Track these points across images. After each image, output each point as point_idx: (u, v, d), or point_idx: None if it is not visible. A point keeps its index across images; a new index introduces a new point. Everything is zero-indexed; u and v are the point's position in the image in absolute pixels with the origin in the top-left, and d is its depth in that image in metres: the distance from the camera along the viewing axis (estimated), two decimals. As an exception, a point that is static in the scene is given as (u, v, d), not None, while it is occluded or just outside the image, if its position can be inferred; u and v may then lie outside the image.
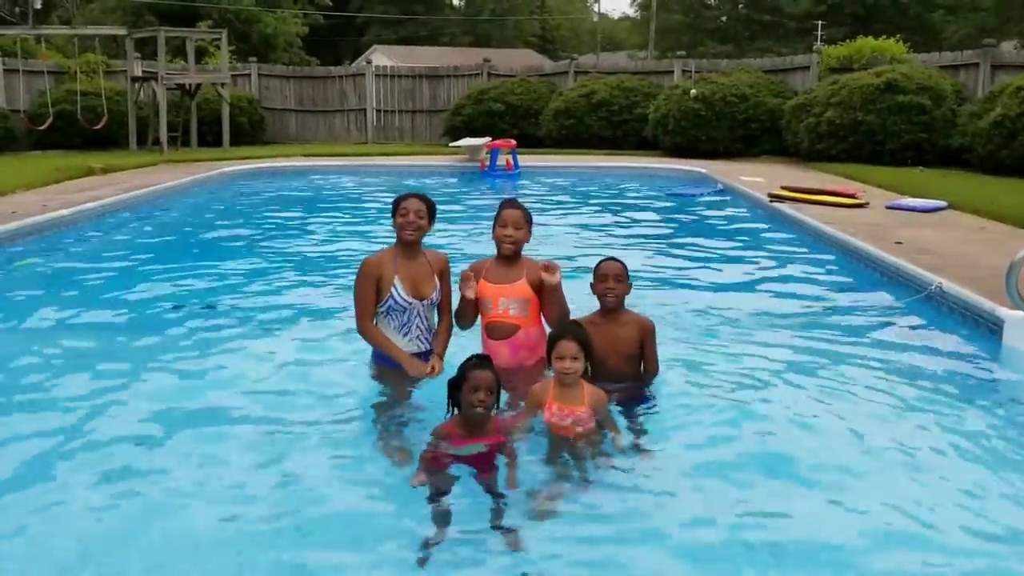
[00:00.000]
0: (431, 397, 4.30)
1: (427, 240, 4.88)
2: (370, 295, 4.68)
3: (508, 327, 4.63)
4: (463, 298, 4.65)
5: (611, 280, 4.47)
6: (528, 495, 3.54)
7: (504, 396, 4.37)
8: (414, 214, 4.67)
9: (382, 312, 4.71)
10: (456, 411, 3.83)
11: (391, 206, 4.79)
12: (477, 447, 3.76)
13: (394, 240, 4.81)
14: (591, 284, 4.58)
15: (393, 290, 4.65)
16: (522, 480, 3.64)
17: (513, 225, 4.63)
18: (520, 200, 4.85)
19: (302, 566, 3.14)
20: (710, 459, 3.97)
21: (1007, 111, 14.41)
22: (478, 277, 4.70)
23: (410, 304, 4.68)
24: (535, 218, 4.85)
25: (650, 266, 8.18)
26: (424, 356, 4.78)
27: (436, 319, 4.87)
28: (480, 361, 3.81)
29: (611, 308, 4.52)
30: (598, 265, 4.58)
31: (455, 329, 4.88)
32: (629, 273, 4.59)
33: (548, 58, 51.53)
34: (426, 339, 4.80)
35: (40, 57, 21.82)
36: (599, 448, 3.92)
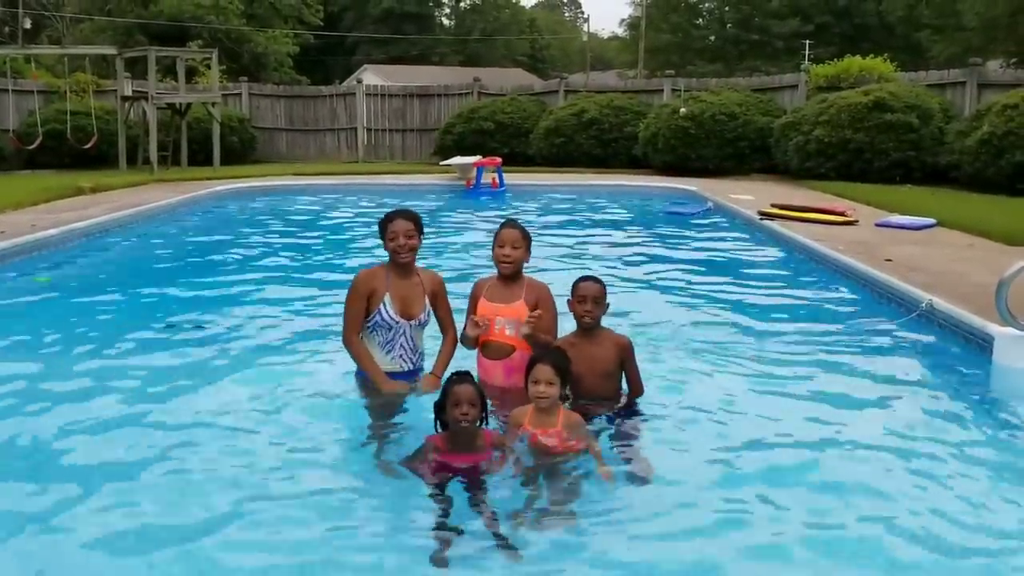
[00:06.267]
0: (417, 411, 4.33)
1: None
2: (360, 309, 4.68)
3: (504, 348, 4.62)
4: (467, 334, 4.67)
5: (589, 302, 4.47)
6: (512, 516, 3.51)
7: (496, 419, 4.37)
8: (403, 236, 4.67)
9: (368, 327, 4.71)
10: (445, 430, 3.85)
11: (378, 227, 4.79)
12: (466, 465, 3.77)
13: (387, 257, 4.81)
14: (568, 302, 4.57)
15: (382, 307, 4.65)
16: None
17: (511, 245, 4.62)
18: (513, 219, 4.84)
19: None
20: (698, 478, 3.95)
21: (994, 129, 14.54)
22: (479, 294, 4.72)
23: (397, 323, 4.68)
24: (526, 234, 4.84)
25: (639, 284, 8.18)
26: (406, 375, 4.78)
27: (423, 339, 4.88)
28: (460, 377, 3.86)
29: (588, 328, 4.52)
30: (577, 284, 4.57)
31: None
32: (606, 292, 4.58)
33: (538, 77, 51.76)
34: (410, 359, 4.79)
35: (30, 76, 21.78)
36: (580, 471, 3.90)
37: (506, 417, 4.24)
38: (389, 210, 4.90)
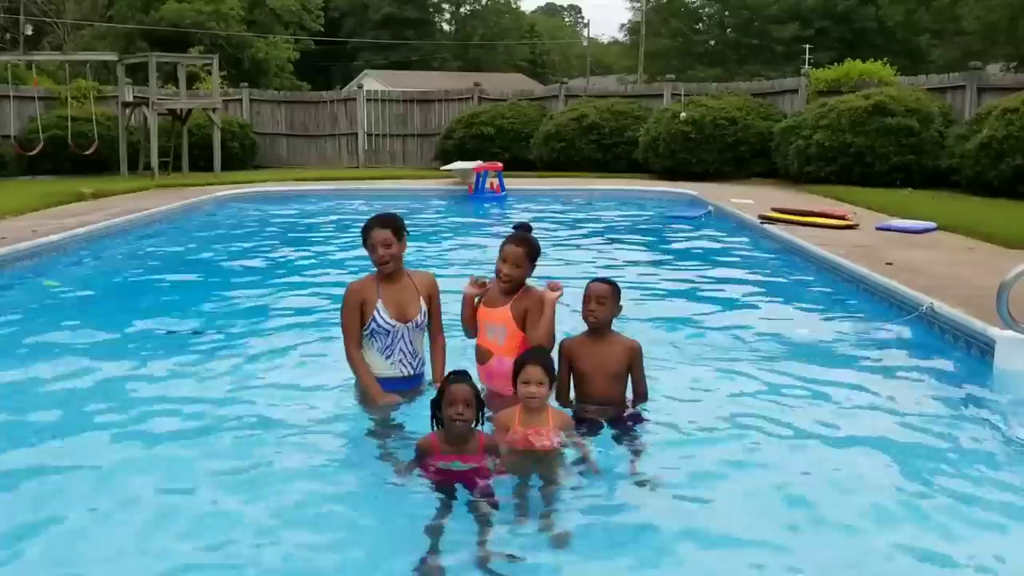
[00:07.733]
0: (415, 421, 4.31)
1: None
2: (355, 320, 4.68)
3: (484, 352, 4.66)
4: (463, 297, 4.69)
5: (592, 302, 4.48)
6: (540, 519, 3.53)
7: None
8: (382, 247, 4.64)
9: (366, 335, 4.71)
10: (440, 428, 3.85)
11: (361, 237, 4.77)
12: (460, 465, 3.77)
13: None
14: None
15: (376, 313, 4.65)
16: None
17: (512, 263, 4.58)
18: (513, 231, 4.79)
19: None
20: (697, 481, 3.95)
21: (994, 133, 14.54)
22: (481, 299, 4.73)
23: (393, 327, 4.68)
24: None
25: (640, 288, 8.17)
26: (407, 381, 4.77)
27: (422, 343, 4.86)
28: (457, 376, 3.85)
29: (595, 329, 4.53)
30: (586, 285, 4.59)
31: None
32: (620, 294, 4.58)
33: (538, 82, 51.79)
34: (409, 363, 4.78)
35: (31, 83, 21.83)
36: (570, 469, 3.91)
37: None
38: (369, 216, 4.81)
